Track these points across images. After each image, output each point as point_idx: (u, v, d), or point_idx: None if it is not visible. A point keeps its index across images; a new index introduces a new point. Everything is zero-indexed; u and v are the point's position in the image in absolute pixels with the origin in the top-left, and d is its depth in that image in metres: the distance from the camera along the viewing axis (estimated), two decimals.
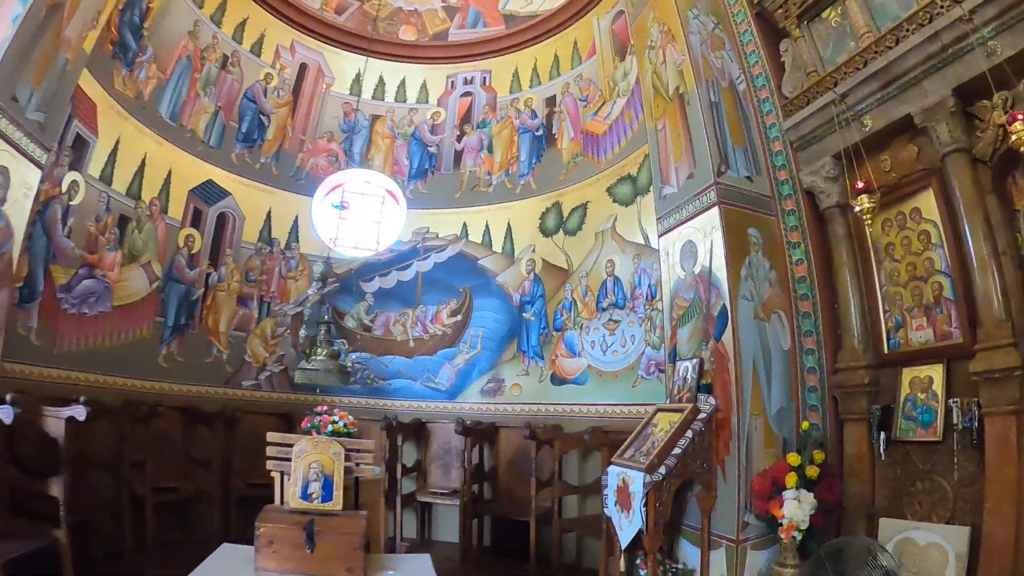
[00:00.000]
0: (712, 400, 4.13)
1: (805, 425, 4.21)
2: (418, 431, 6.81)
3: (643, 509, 3.72)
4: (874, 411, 4.03)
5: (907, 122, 3.83)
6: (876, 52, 3.93)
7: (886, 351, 4.12)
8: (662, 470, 3.80)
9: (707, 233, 4.46)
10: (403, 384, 7.17)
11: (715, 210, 4.40)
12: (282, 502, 3.70)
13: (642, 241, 5.64)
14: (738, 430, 4.05)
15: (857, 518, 3.99)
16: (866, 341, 4.20)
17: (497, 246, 7.04)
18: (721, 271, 4.29)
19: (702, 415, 4.07)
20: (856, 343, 4.23)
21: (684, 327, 4.55)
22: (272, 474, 3.79)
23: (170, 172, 6.06)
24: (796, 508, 3.84)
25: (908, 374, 3.93)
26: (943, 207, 3.72)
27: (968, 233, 3.48)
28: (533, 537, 5.29)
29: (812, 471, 3.98)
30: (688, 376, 4.34)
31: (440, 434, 6.75)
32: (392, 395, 7.15)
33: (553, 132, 6.84)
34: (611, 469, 4.12)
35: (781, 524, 3.88)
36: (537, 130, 6.97)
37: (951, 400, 3.53)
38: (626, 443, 4.25)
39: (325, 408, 4.24)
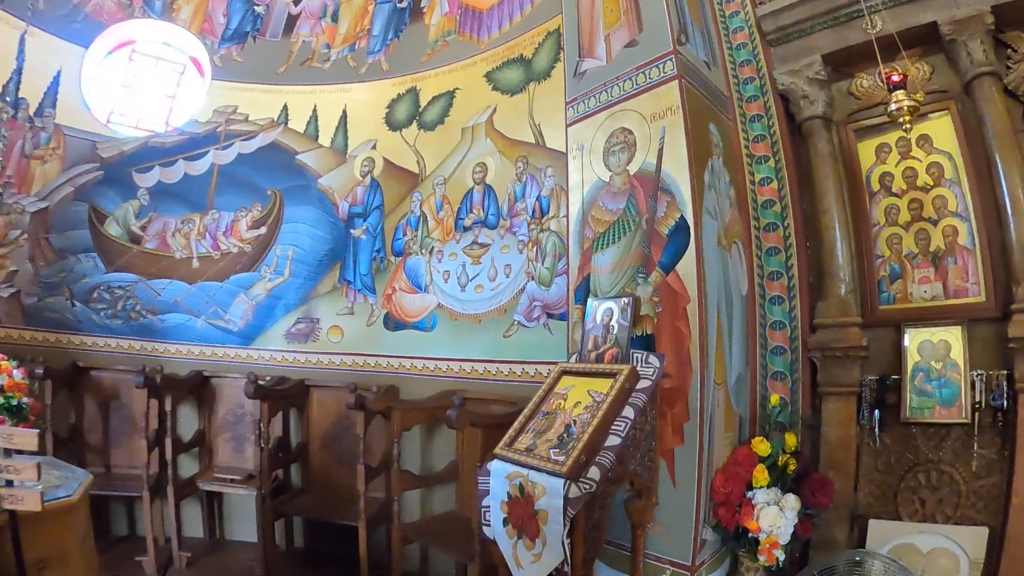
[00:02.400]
0: (656, 360, 2.45)
1: (774, 399, 2.76)
2: (199, 390, 4.48)
3: (566, 539, 1.97)
4: (867, 382, 2.70)
5: (926, 33, 2.89)
6: None
7: (879, 307, 2.79)
8: (594, 474, 2.07)
9: (657, 117, 2.80)
10: (180, 321, 4.73)
11: (673, 87, 2.79)
12: None
13: (532, 140, 3.83)
14: (700, 407, 2.45)
15: (837, 521, 2.80)
16: (856, 292, 2.84)
17: (325, 138, 4.80)
18: (681, 171, 2.65)
19: (644, 383, 2.39)
20: (844, 292, 2.84)
21: (605, 251, 2.85)
22: None
23: None
24: (777, 518, 2.53)
25: (916, 336, 2.72)
26: (964, 138, 2.84)
27: (1002, 171, 2.66)
28: (364, 545, 3.36)
29: (787, 463, 2.64)
30: (614, 323, 2.65)
31: (230, 394, 4.48)
32: (164, 336, 4.71)
33: (421, 5, 4.72)
34: (496, 467, 2.33)
35: (755, 540, 2.51)
36: (401, 0, 4.79)
37: (974, 372, 2.59)
38: (517, 425, 2.47)
39: None
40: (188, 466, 4.31)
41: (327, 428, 4.21)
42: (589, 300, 2.80)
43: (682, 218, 2.60)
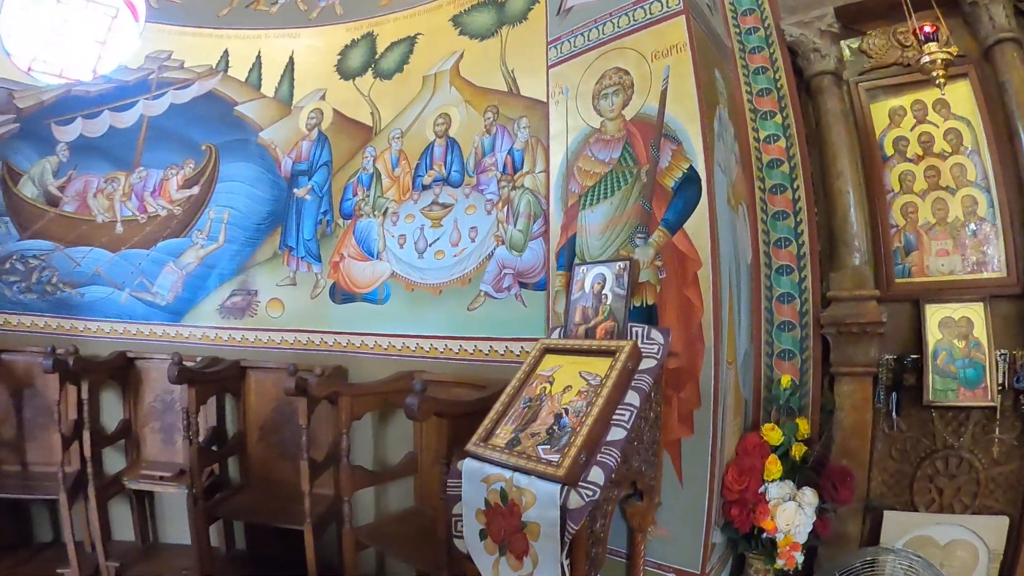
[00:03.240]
0: (660, 336, 2.00)
1: (784, 381, 2.37)
2: (122, 373, 3.75)
3: (565, 559, 1.52)
4: (884, 362, 2.34)
5: None
6: None
7: (895, 280, 2.44)
8: (597, 476, 1.62)
9: (659, 56, 2.35)
10: (102, 295, 4.01)
11: (680, 23, 2.35)
12: None
13: (504, 88, 3.29)
14: (714, 390, 2.02)
15: (849, 514, 2.46)
16: (870, 263, 2.48)
17: (269, 87, 4.11)
18: (690, 116, 2.21)
19: (647, 363, 1.94)
20: (859, 261, 2.45)
21: (595, 208, 2.40)
22: None
23: None
24: (796, 516, 2.17)
25: (935, 313, 2.40)
26: (984, 105, 2.58)
27: None
28: (311, 551, 2.84)
29: (800, 452, 2.29)
30: (607, 292, 2.19)
31: (158, 378, 3.76)
32: (84, 312, 3.99)
33: None
34: (470, 467, 1.86)
35: (771, 542, 2.16)
36: None
37: (998, 352, 2.33)
38: (493, 414, 2.00)
39: None
40: (115, 461, 3.64)
41: (266, 416, 3.61)
42: (576, 266, 2.32)
43: (691, 169, 2.14)
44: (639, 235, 2.21)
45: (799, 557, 2.14)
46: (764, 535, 2.13)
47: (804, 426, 2.30)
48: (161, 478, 3.38)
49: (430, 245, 3.38)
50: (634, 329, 2.07)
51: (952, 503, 2.40)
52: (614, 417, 1.78)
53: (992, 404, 2.26)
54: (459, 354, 3.13)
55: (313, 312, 3.79)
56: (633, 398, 1.84)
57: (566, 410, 1.84)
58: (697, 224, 2.10)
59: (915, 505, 2.43)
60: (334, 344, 3.65)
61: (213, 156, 4.15)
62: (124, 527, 3.70)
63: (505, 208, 3.06)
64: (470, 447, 1.88)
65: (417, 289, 3.39)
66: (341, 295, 3.71)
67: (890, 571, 2.12)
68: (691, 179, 2.13)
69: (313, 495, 2.81)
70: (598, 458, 1.68)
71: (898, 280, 2.49)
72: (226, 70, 4.20)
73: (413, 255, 3.44)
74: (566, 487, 1.59)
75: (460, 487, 1.85)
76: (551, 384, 2.00)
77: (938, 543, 2.37)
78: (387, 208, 3.62)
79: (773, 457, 2.21)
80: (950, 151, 2.58)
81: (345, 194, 3.84)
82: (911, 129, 2.65)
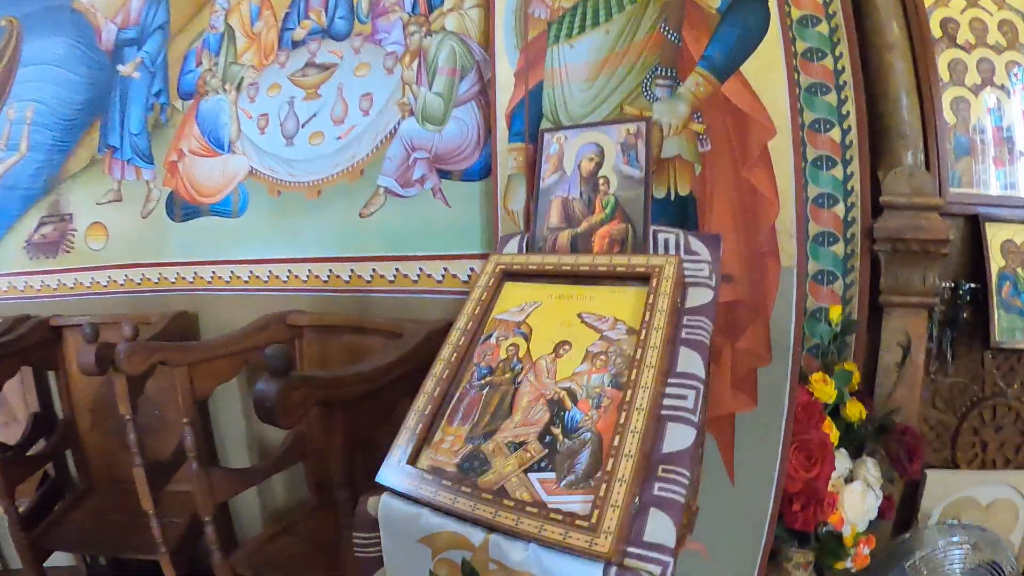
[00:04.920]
0: (704, 247, 1.12)
1: (834, 313, 1.57)
2: None
3: None
4: (942, 291, 1.65)
5: None
6: None
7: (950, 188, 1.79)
8: (662, 529, 0.76)
9: None
10: None
11: None
12: None
13: None
14: (793, 335, 1.19)
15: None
16: (925, 165, 1.78)
17: None
18: None
19: (700, 295, 1.05)
20: (917, 159, 1.71)
21: (578, 40, 1.40)
22: None
23: None
24: (863, 498, 1.47)
25: (997, 234, 1.71)
26: None
27: None
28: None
29: (857, 410, 1.55)
30: (609, 174, 1.24)
31: None
32: None
33: None
34: (392, 510, 0.90)
35: (838, 537, 1.41)
36: None
37: None
38: (423, 401, 1.03)
39: None
40: None
41: (98, 392, 2.34)
42: (544, 133, 1.35)
43: None
44: (661, 81, 1.27)
45: (868, 552, 1.47)
46: (825, 529, 1.43)
47: (853, 372, 1.58)
48: None
49: (303, 126, 2.20)
50: (661, 237, 1.17)
51: (995, 458, 1.89)
52: (666, 401, 0.91)
53: None
54: (351, 283, 2.08)
55: (146, 237, 2.51)
56: (693, 362, 0.96)
57: (570, 393, 0.93)
58: (765, 65, 1.19)
59: (956, 462, 1.88)
60: (177, 280, 2.44)
61: (14, 34, 2.60)
62: None
63: (415, 63, 1.94)
64: (390, 473, 0.92)
65: (286, 191, 2.23)
66: (182, 208, 2.46)
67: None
68: None
69: (174, 500, 1.74)
70: (656, 490, 0.81)
71: (953, 189, 1.81)
72: None
73: (279, 142, 2.25)
74: (613, 568, 0.71)
75: (378, 544, 0.92)
76: (526, 339, 1.07)
77: (980, 504, 1.88)
78: (242, 79, 2.35)
79: (829, 421, 1.48)
80: (1005, 45, 1.90)
81: (186, 65, 2.50)
82: (961, 12, 1.92)
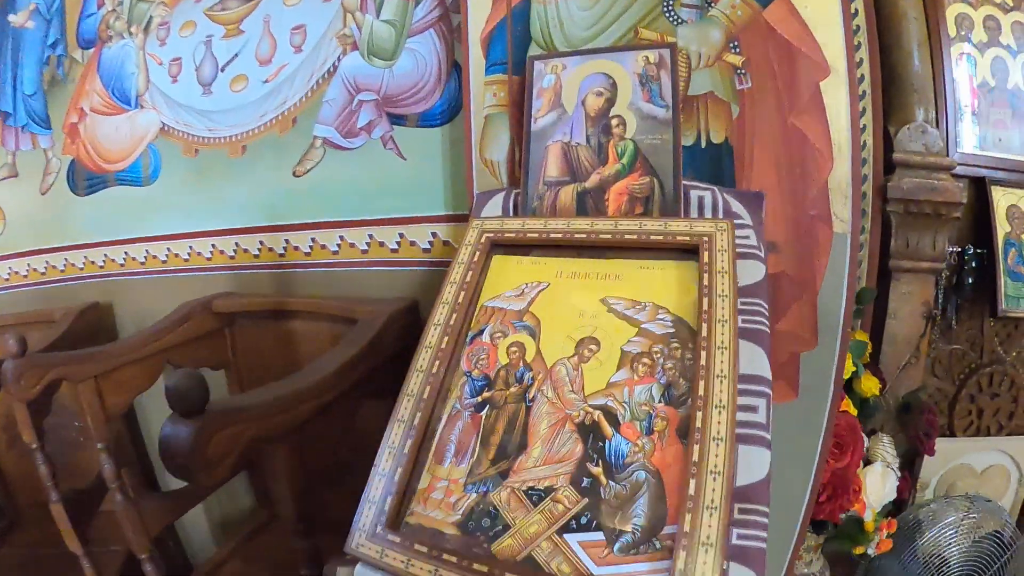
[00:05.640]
0: (745, 209, 0.86)
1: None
2: None
3: None
4: (949, 257, 1.52)
5: None
6: None
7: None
8: None
9: None
10: None
11: None
12: None
13: None
14: (843, 314, 1.01)
15: None
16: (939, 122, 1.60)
17: None
18: None
19: (752, 269, 0.79)
20: (929, 116, 1.52)
21: None
22: None
23: None
24: (883, 480, 1.31)
25: (1002, 199, 1.60)
26: None
27: None
28: None
29: (872, 385, 1.34)
30: (627, 111, 0.95)
31: None
32: None
33: None
34: None
35: (857, 523, 1.27)
36: None
37: None
38: (398, 430, 0.73)
39: None
40: None
41: (9, 408, 1.91)
42: (534, 61, 1.04)
43: None
44: (687, 1, 0.98)
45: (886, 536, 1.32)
46: (847, 515, 1.27)
47: (870, 345, 1.41)
48: None
49: (222, 70, 1.78)
50: (694, 195, 0.91)
51: (989, 424, 1.83)
52: (741, 422, 0.66)
53: None
54: (287, 256, 1.72)
55: (47, 216, 2.05)
56: (757, 360, 0.72)
57: (608, 414, 0.67)
58: None
59: (953, 430, 1.79)
60: (86, 267, 2.00)
61: None
62: None
63: None
64: (365, 542, 0.64)
65: (205, 150, 1.82)
66: (86, 179, 2.00)
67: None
68: None
69: (110, 522, 1.37)
70: (735, 539, 0.57)
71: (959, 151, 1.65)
72: None
73: (194, 91, 1.82)
74: None
75: None
76: (534, 336, 0.79)
77: (976, 470, 1.84)
78: (151, 18, 1.87)
79: (847, 400, 1.30)
80: (1012, 4, 1.73)
81: (86, 7, 2.00)
82: None
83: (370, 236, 1.59)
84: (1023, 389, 1.79)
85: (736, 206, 0.92)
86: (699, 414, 0.62)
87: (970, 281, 1.63)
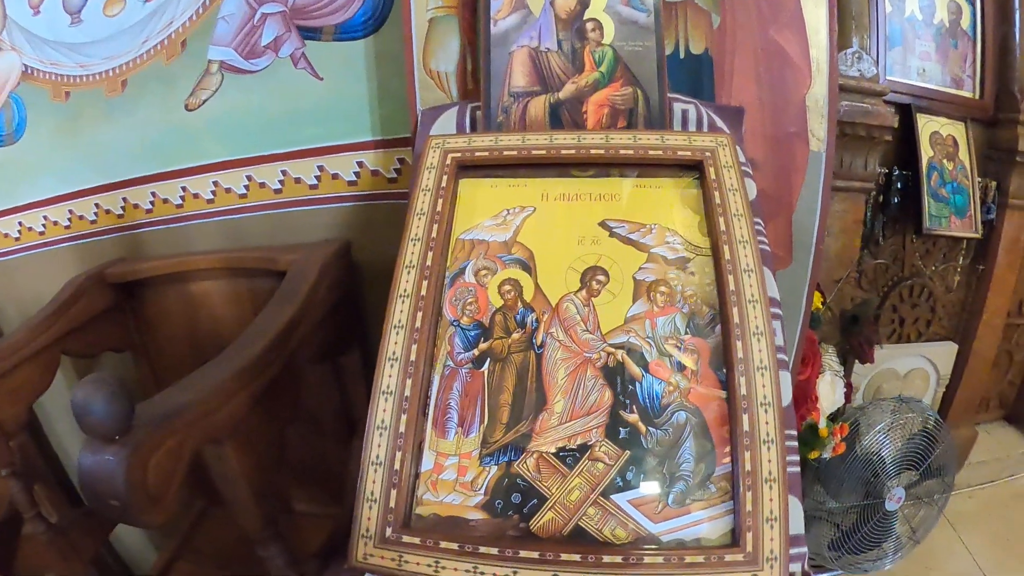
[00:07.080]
0: (725, 124, 0.80)
1: None
2: None
3: None
4: (878, 178, 1.62)
5: None
6: None
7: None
8: (796, 517, 0.49)
9: None
10: None
11: None
12: None
13: None
14: (816, 230, 1.02)
15: None
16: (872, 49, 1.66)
17: None
18: None
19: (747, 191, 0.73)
20: (864, 42, 1.57)
21: None
22: None
23: None
24: (832, 388, 1.42)
25: (927, 125, 1.78)
26: None
27: None
28: None
29: (817, 299, 1.42)
30: (606, 13, 0.83)
31: None
32: None
33: None
34: None
35: (812, 429, 1.36)
36: None
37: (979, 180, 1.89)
38: (393, 401, 0.61)
39: None
40: None
41: None
42: None
43: None
44: None
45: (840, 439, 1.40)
46: (805, 423, 1.33)
47: None
48: None
49: None
50: (678, 108, 0.82)
51: (909, 332, 2.03)
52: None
53: (978, 236, 1.80)
54: (185, 207, 1.46)
55: None
56: (768, 282, 0.66)
57: (632, 352, 0.58)
58: None
59: (879, 338, 1.96)
60: None
61: None
62: None
63: None
64: (373, 551, 0.51)
65: (77, 91, 1.46)
66: None
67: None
68: None
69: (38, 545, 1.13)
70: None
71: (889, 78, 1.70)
72: None
73: (61, 21, 1.44)
74: None
75: None
76: (528, 270, 0.68)
77: (899, 374, 2.05)
78: None
79: None
80: None
81: None
82: None
83: (283, 172, 1.37)
84: (940, 300, 1.99)
85: (718, 122, 0.84)
86: (738, 343, 0.55)
87: (896, 201, 1.75)
